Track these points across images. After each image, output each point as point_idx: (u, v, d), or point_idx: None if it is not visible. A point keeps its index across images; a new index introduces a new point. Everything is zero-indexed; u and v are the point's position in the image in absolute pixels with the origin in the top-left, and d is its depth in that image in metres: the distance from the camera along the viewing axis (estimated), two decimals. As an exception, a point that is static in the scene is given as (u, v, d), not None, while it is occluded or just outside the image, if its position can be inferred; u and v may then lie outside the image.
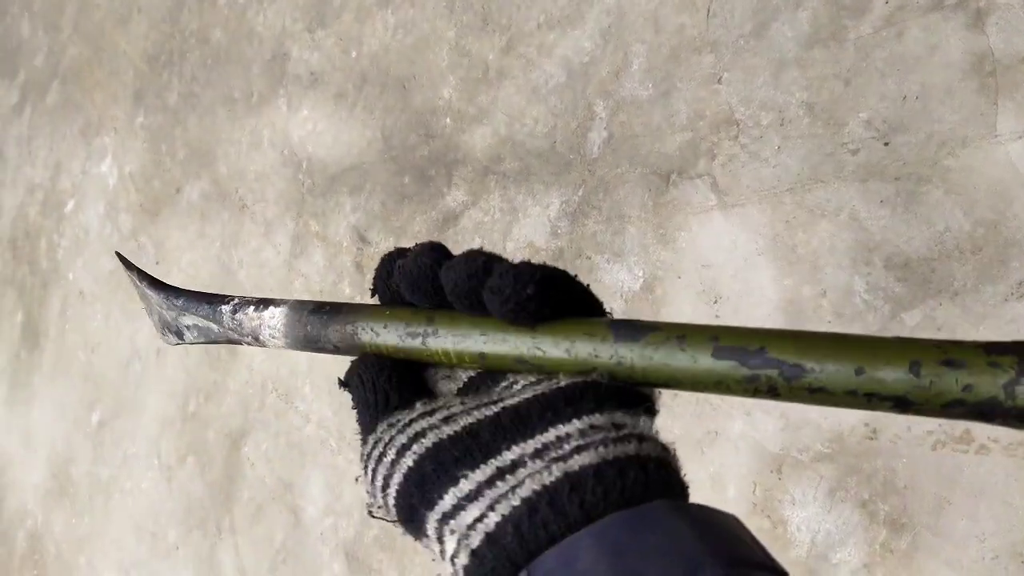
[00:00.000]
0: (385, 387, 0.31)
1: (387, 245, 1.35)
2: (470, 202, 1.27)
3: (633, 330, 0.28)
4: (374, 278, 0.34)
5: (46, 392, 1.93)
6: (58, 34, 2.39)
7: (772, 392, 0.25)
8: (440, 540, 0.27)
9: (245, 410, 1.43)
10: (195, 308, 0.41)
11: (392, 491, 0.28)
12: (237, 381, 1.46)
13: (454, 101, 1.31)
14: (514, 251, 1.20)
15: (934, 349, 0.23)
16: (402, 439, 0.29)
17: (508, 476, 0.26)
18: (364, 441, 0.31)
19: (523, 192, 1.21)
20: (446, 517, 0.26)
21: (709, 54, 1.03)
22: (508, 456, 0.26)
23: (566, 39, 1.18)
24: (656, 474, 0.25)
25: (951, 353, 0.23)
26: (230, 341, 0.40)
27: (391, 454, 0.29)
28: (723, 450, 0.95)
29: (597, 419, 0.26)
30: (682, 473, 0.27)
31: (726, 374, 0.26)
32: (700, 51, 1.04)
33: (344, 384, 0.34)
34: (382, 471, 0.29)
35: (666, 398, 0.96)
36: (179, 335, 0.43)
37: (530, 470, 0.25)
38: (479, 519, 0.25)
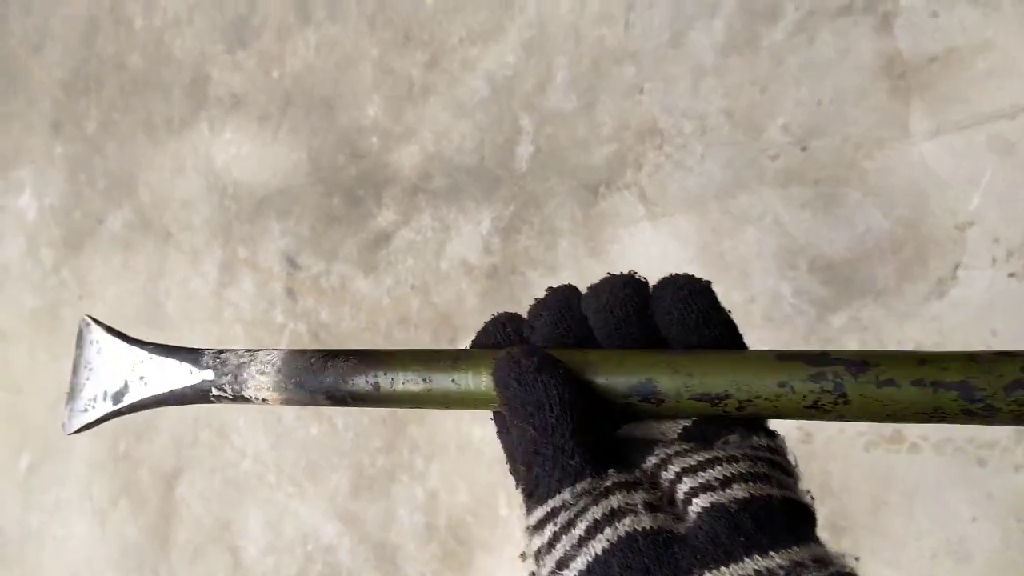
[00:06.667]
0: (584, 442, 0.26)
1: (318, 269, 1.31)
2: (401, 221, 1.25)
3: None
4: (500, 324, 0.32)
5: (-30, 439, 1.84)
6: (-30, 63, 2.29)
7: (840, 393, 0.27)
8: None
9: (178, 447, 1.38)
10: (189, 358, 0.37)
11: (570, 574, 0.25)
12: (168, 418, 1.41)
13: (380, 119, 1.28)
14: (448, 270, 1.18)
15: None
16: (595, 512, 0.25)
17: None
18: (538, 500, 0.26)
19: (454, 209, 1.19)
20: None
21: (630, 65, 1.03)
22: None
23: (489, 53, 1.17)
24: None
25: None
26: (201, 399, 0.37)
27: (579, 529, 0.25)
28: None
29: (799, 553, 0.24)
30: None
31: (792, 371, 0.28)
32: (621, 62, 1.04)
33: (503, 426, 0.30)
34: (563, 546, 0.25)
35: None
36: (116, 400, 0.38)
37: None
38: None
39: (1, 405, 1.76)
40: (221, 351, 0.36)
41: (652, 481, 0.26)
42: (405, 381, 0.32)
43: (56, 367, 1.64)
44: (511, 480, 0.98)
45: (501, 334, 0.32)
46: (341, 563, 1.16)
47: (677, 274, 0.30)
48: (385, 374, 0.32)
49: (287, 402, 0.34)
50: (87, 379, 0.39)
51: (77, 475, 1.52)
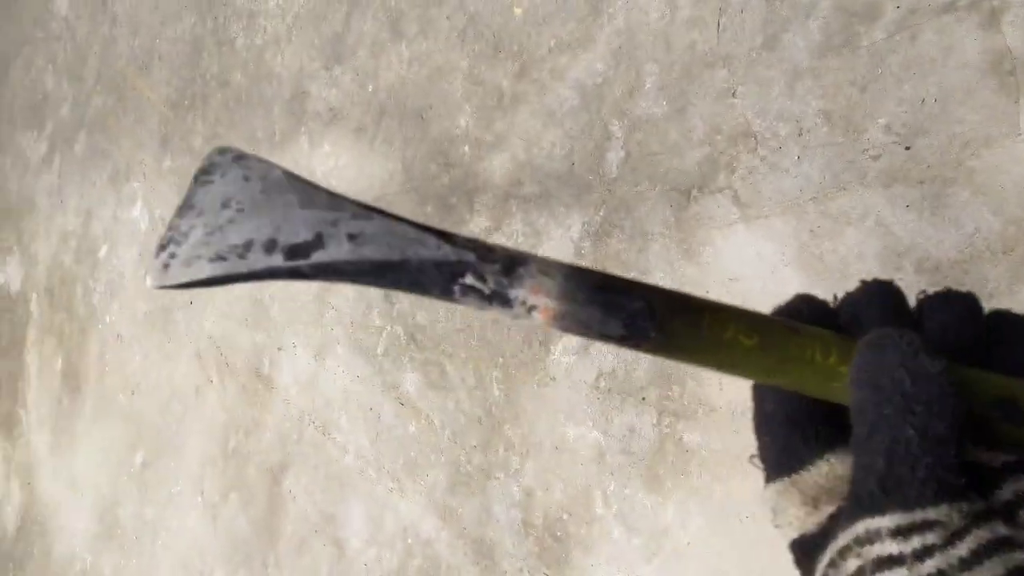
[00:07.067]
0: (963, 462, 0.24)
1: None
2: (492, 227, 1.28)
3: None
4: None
5: (89, 436, 1.97)
6: (82, 84, 2.46)
7: None
8: None
9: (284, 444, 1.45)
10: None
11: None
12: (275, 416, 1.48)
13: (471, 129, 1.32)
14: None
15: None
16: (981, 536, 0.23)
17: None
18: (900, 504, 0.24)
19: (545, 215, 1.22)
20: None
21: (722, 69, 1.04)
22: None
23: (578, 62, 1.20)
24: None
25: None
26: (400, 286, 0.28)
27: (962, 549, 0.23)
28: (762, 464, 0.95)
29: None
30: None
31: None
32: (713, 66, 1.05)
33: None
34: (936, 563, 0.23)
35: (700, 414, 0.95)
36: (293, 253, 0.28)
37: None
38: None
39: (118, 404, 1.88)
40: (471, 238, 0.28)
41: (1008, 514, 0.25)
42: (738, 331, 0.27)
43: (169, 367, 1.74)
44: (607, 480, 1.00)
45: (816, 321, 0.29)
46: (440, 556, 1.20)
47: (1010, 311, 0.29)
48: (714, 317, 0.27)
49: (562, 319, 0.27)
50: (229, 221, 0.28)
51: (189, 470, 1.62)
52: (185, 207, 0.29)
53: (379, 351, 1.39)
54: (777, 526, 0.29)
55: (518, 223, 1.25)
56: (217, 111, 1.78)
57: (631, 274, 1.12)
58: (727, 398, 1.00)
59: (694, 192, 1.05)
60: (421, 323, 1.34)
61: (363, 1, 1.51)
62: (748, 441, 0.96)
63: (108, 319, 2.00)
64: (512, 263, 0.27)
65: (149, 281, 0.28)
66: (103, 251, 2.10)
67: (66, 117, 2.51)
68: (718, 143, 1.03)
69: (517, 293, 0.27)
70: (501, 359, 1.23)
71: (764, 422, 0.30)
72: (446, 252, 0.27)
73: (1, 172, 2.94)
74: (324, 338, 1.46)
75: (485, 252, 0.27)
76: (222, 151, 0.30)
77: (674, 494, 1.02)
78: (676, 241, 1.07)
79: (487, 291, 0.27)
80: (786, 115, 0.97)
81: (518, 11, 1.27)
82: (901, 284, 0.88)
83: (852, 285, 0.90)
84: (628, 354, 1.10)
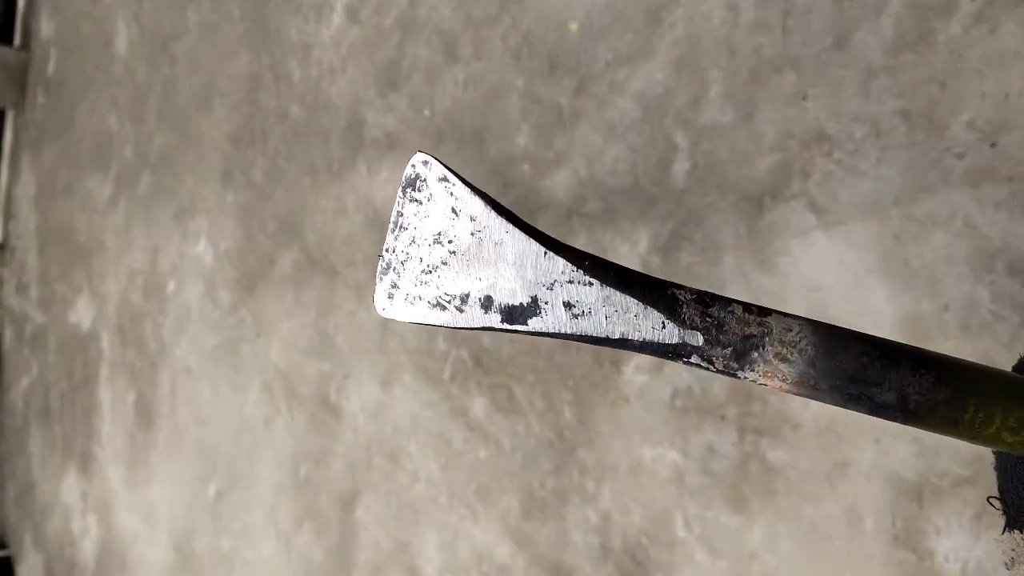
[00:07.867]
0: None
1: (478, 297, 1.35)
2: (557, 246, 1.27)
3: None
4: None
5: (163, 469, 2.01)
6: (144, 125, 2.54)
7: None
8: None
9: (354, 472, 1.45)
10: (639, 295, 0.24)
11: None
12: (343, 444, 1.48)
13: (530, 147, 1.31)
14: (606, 291, 1.19)
15: None
16: None
17: None
18: None
19: (610, 231, 1.20)
20: None
21: (791, 72, 1.01)
22: None
23: (638, 74, 1.18)
24: None
25: None
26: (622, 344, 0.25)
27: None
28: (855, 482, 0.90)
29: None
30: None
31: None
32: (781, 70, 1.02)
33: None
34: None
35: (784, 430, 0.91)
36: (511, 316, 0.25)
37: None
38: None
39: (190, 437, 1.91)
40: (706, 300, 0.25)
41: None
42: (1002, 428, 0.24)
43: (238, 400, 1.77)
44: (688, 502, 0.96)
45: None
46: (518, 585, 1.18)
47: None
48: (978, 409, 0.24)
49: (799, 394, 0.25)
50: (443, 262, 0.27)
51: (262, 501, 1.63)
52: (397, 226, 0.29)
53: (445, 376, 1.38)
54: (1009, 568, 0.26)
55: (583, 240, 1.23)
56: (276, 144, 1.81)
57: (702, 287, 1.09)
58: (812, 413, 0.96)
59: (767, 200, 1.02)
60: (487, 347, 1.33)
61: (416, 27, 1.52)
62: (838, 458, 0.92)
63: (177, 353, 2.04)
64: (747, 347, 0.25)
65: (376, 305, 0.29)
66: (170, 287, 2.15)
67: (130, 157, 2.60)
68: (790, 149, 1.00)
69: (747, 375, 0.26)
70: (571, 381, 1.21)
71: (1020, 466, 0.27)
72: (670, 333, 0.26)
73: (69, 214, 3.05)
74: (390, 365, 1.46)
75: (716, 333, 0.25)
76: (425, 161, 0.29)
77: (760, 515, 0.98)
78: (750, 252, 1.03)
79: (716, 369, 0.26)
80: (862, 116, 0.94)
81: (573, 26, 1.27)
82: (993, 288, 0.83)
83: (942, 291, 0.85)
84: (704, 372, 1.07)
